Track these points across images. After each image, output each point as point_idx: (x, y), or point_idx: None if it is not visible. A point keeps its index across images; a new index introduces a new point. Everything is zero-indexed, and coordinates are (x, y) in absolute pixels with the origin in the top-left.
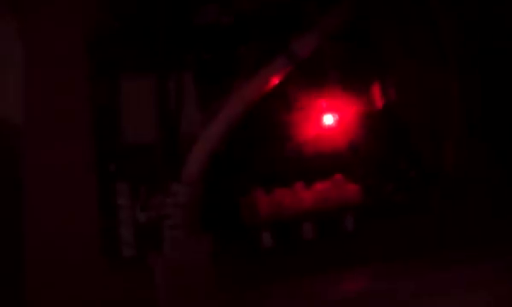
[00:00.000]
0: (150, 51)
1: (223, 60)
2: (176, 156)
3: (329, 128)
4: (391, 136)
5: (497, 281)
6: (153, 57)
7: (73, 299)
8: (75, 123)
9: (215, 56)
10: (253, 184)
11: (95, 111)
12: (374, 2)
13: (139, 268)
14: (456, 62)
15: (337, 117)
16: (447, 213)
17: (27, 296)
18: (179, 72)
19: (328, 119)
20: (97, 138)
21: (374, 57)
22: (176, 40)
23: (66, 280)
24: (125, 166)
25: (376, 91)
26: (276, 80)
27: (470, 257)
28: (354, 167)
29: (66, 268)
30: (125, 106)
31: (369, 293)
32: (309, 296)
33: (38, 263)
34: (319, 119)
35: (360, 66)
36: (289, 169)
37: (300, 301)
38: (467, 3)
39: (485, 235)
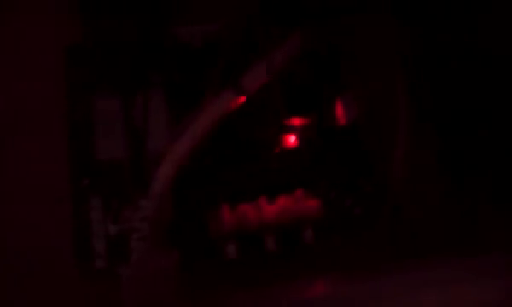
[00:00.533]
0: (121, 69)
1: (192, 80)
2: (142, 172)
3: (292, 145)
4: (351, 153)
5: (450, 281)
6: (122, 76)
7: None
8: (51, 139)
9: (185, 76)
10: (218, 199)
11: (69, 128)
12: (324, 31)
13: (110, 279)
14: (403, 71)
15: (300, 135)
16: (398, 225)
17: None
18: (147, 90)
19: (291, 138)
20: (71, 154)
21: (334, 76)
22: (145, 60)
23: (39, 291)
24: (98, 181)
25: (339, 108)
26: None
27: (423, 264)
28: (316, 182)
29: (40, 279)
30: (98, 123)
31: (328, 298)
32: (270, 303)
33: (10, 275)
34: (283, 138)
35: (322, 85)
36: (254, 184)
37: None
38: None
39: (437, 243)
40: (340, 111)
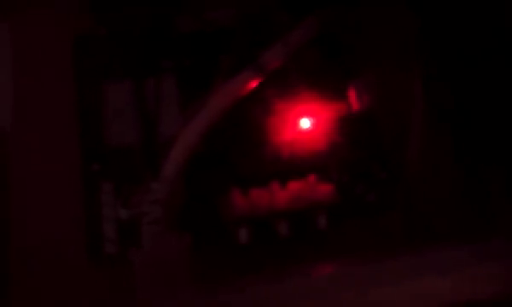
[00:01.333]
0: (131, 56)
1: (204, 65)
2: (155, 156)
3: (306, 131)
4: (364, 139)
5: (461, 266)
6: (133, 62)
7: (57, 295)
8: (61, 124)
9: (196, 62)
10: (231, 184)
11: (80, 113)
12: (342, 14)
13: (121, 264)
14: (419, 62)
15: (313, 120)
16: (412, 210)
17: (13, 291)
18: (159, 76)
19: (305, 123)
20: (82, 139)
21: (348, 61)
22: (157, 45)
23: (51, 277)
24: (109, 166)
25: (353, 95)
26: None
27: (435, 248)
28: (328, 168)
29: (51, 266)
30: (109, 108)
31: (339, 280)
32: (281, 285)
33: (23, 261)
34: (296, 123)
35: (335, 71)
36: (266, 169)
37: (273, 290)
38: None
39: (449, 231)
40: (353, 97)
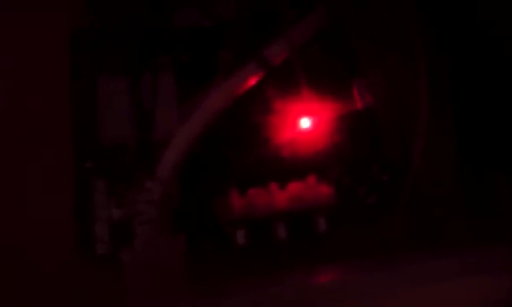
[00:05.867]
0: (127, 52)
1: (202, 61)
2: (150, 154)
3: (306, 130)
4: (365, 140)
5: (464, 274)
6: (129, 58)
7: (46, 295)
8: (54, 120)
9: (194, 58)
10: (228, 184)
11: (73, 109)
12: (346, 10)
13: (113, 265)
14: (424, 63)
15: (314, 120)
16: (415, 214)
17: None
18: (156, 71)
19: (305, 122)
20: (75, 136)
21: (349, 60)
22: (154, 41)
23: (39, 276)
24: (103, 164)
25: (355, 93)
26: (247, 84)
27: (436, 254)
28: (329, 169)
29: (40, 265)
30: (104, 105)
31: (339, 285)
32: (278, 289)
33: (11, 260)
34: (296, 122)
35: (337, 69)
36: (265, 170)
37: (269, 293)
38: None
39: (452, 234)
40: (356, 95)
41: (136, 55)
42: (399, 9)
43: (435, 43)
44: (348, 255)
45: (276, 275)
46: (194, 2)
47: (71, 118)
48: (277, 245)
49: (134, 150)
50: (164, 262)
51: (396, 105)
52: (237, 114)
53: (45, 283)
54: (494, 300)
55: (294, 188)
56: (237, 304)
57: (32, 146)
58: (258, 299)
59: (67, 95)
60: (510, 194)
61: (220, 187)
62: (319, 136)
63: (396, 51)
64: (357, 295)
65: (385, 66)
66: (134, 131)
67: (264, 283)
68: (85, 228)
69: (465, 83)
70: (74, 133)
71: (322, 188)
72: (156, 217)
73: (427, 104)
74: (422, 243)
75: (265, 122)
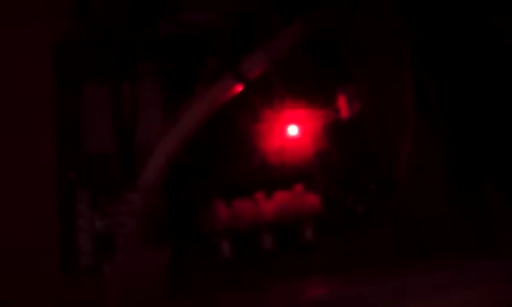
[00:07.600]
0: (110, 61)
1: (186, 70)
2: (131, 164)
3: (293, 139)
4: (354, 148)
5: (453, 288)
6: (112, 67)
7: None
8: (38, 130)
9: (178, 66)
10: (213, 194)
11: (57, 119)
12: (334, 19)
13: (96, 276)
14: (411, 71)
15: (301, 128)
16: (402, 223)
17: None
18: (138, 81)
19: (293, 130)
20: (60, 146)
21: (338, 69)
22: (137, 49)
23: (20, 289)
24: (86, 174)
25: (342, 102)
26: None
27: (427, 264)
28: (316, 178)
29: (21, 277)
30: (87, 115)
31: (325, 298)
32: (265, 302)
33: None
34: (283, 130)
35: (325, 78)
36: (251, 179)
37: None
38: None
39: (440, 243)
40: (343, 104)
41: (118, 66)
42: (388, 19)
43: (424, 52)
44: (336, 265)
45: (263, 286)
46: (177, 11)
47: (55, 128)
48: (264, 255)
49: (116, 160)
50: (146, 274)
51: (383, 114)
52: (223, 123)
53: (28, 296)
54: None
55: (281, 197)
56: None
57: (16, 156)
58: None
59: (52, 106)
60: (498, 202)
61: (205, 197)
62: (306, 144)
63: (384, 61)
64: None
65: (373, 75)
66: (116, 141)
67: (250, 296)
68: (69, 239)
69: (453, 92)
70: (59, 143)
71: (309, 197)
72: (137, 228)
73: (414, 113)
74: (410, 252)
75: (251, 131)
